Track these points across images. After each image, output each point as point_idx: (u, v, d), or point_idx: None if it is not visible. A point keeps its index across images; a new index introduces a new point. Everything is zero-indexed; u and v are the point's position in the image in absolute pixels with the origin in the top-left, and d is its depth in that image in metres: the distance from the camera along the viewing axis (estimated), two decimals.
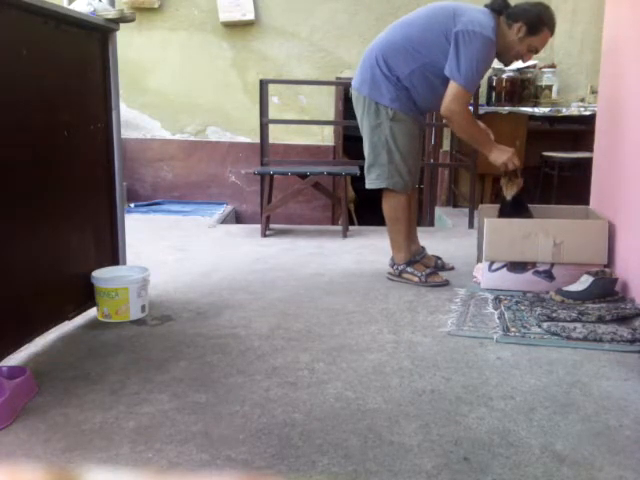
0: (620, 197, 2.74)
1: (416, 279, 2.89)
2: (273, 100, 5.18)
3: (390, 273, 3.00)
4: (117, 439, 1.52)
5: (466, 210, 4.68)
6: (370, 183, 2.90)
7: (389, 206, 2.91)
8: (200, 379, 1.87)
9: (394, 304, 2.61)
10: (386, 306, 2.58)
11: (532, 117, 5.04)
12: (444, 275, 2.97)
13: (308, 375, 1.90)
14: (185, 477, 1.39)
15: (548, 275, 2.75)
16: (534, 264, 2.76)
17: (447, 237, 4.13)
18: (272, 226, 4.33)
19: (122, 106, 2.72)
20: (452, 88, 2.63)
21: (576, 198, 3.58)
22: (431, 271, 2.95)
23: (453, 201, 5.58)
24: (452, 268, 3.18)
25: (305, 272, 3.14)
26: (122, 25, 2.43)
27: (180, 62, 5.49)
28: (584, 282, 2.53)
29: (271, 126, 4.69)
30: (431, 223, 5.50)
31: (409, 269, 2.92)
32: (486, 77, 5.27)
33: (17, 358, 1.99)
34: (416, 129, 2.88)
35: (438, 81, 2.71)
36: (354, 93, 2.89)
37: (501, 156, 2.77)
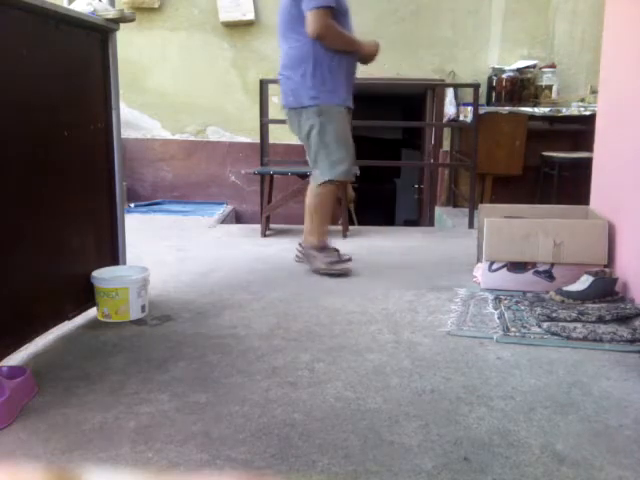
0: (620, 197, 2.74)
1: (322, 265, 3.04)
2: (273, 100, 5.17)
3: (298, 255, 3.14)
4: (117, 439, 1.52)
5: (466, 210, 4.68)
6: (316, 179, 3.06)
7: (314, 200, 3.07)
8: (200, 379, 1.87)
9: (394, 304, 2.61)
10: (386, 306, 2.58)
11: (532, 117, 5.04)
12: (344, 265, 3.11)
13: (308, 375, 1.90)
14: (185, 477, 1.39)
15: (548, 275, 2.75)
16: (534, 264, 2.76)
17: (447, 237, 4.13)
18: (272, 226, 4.33)
19: (122, 106, 2.72)
20: (308, 15, 2.82)
21: (576, 198, 3.59)
22: (335, 259, 3.08)
23: (453, 201, 5.58)
24: (348, 260, 3.24)
25: (305, 272, 3.14)
26: (122, 25, 2.43)
27: (180, 62, 5.49)
28: (584, 282, 2.53)
29: (271, 126, 4.69)
30: (431, 223, 5.50)
31: (319, 255, 3.07)
32: (486, 77, 5.28)
33: (17, 358, 1.99)
34: (343, 116, 3.03)
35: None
36: (286, 114, 3.09)
37: (373, 47, 3.07)
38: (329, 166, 3.01)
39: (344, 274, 3.03)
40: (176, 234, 4.14)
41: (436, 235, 4.18)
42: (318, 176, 3.05)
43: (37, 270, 2.04)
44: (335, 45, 2.94)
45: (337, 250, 3.33)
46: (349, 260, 3.30)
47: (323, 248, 3.10)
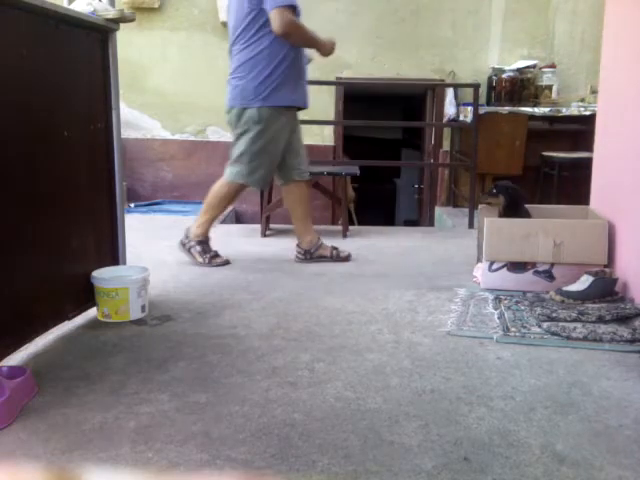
0: (620, 197, 2.74)
1: (200, 260, 3.20)
2: None
3: (182, 243, 3.25)
4: (117, 439, 1.52)
5: (466, 210, 4.68)
6: (230, 176, 3.18)
7: (220, 191, 3.20)
8: (200, 379, 1.87)
9: (394, 304, 2.61)
10: (386, 306, 2.58)
11: (532, 117, 5.05)
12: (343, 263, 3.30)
13: (308, 375, 1.90)
14: (185, 477, 1.39)
15: (548, 275, 2.75)
16: (534, 264, 2.76)
17: (447, 237, 4.12)
18: (272, 226, 4.33)
19: (122, 106, 2.72)
20: (274, 13, 2.87)
21: (576, 198, 3.59)
22: (214, 254, 3.22)
23: (453, 201, 5.58)
24: (348, 256, 3.37)
25: (305, 272, 3.14)
26: (122, 25, 2.43)
27: (180, 62, 5.49)
28: (584, 282, 2.53)
29: None
30: (431, 223, 5.51)
31: (198, 248, 3.21)
32: (486, 77, 5.27)
33: (17, 358, 1.99)
34: (286, 121, 3.08)
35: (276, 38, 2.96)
36: (227, 112, 3.14)
37: (330, 46, 3.12)
38: (248, 171, 3.13)
39: (223, 264, 3.22)
40: (176, 234, 4.11)
41: (436, 235, 4.18)
42: (233, 174, 3.16)
43: (37, 270, 2.04)
44: (299, 42, 3.01)
45: (336, 248, 3.36)
46: (348, 256, 3.38)
47: (202, 242, 3.24)
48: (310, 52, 3.21)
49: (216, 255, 3.25)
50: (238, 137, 3.12)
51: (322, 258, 3.33)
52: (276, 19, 2.87)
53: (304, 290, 2.81)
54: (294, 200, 3.34)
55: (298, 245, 3.37)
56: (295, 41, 2.98)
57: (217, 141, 5.61)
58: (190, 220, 4.68)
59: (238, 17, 3.00)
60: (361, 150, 5.96)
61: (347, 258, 3.36)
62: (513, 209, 2.91)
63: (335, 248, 3.37)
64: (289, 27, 2.88)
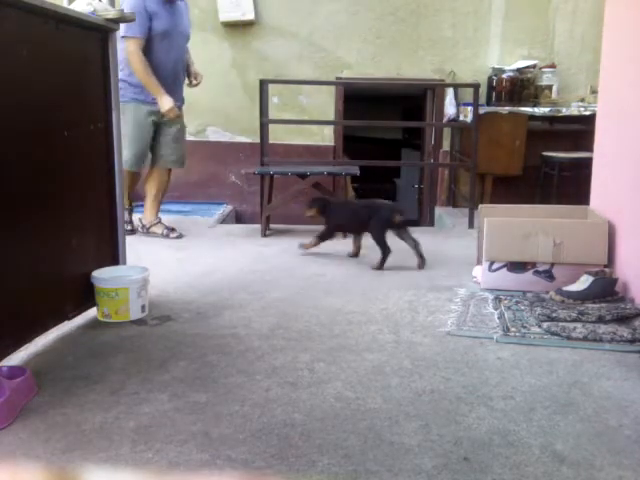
0: (620, 197, 2.74)
1: (159, 231, 3.89)
2: (273, 100, 5.18)
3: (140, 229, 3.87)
4: (117, 439, 1.52)
5: (466, 210, 4.68)
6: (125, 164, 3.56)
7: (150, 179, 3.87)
8: (200, 379, 1.87)
9: (394, 304, 2.61)
10: (386, 306, 2.58)
11: (532, 117, 5.04)
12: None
13: (308, 375, 1.90)
14: (185, 477, 1.39)
15: (548, 275, 2.75)
16: (534, 264, 2.76)
17: (447, 237, 4.12)
18: (272, 226, 4.33)
19: None
20: (124, 40, 3.43)
21: (576, 198, 3.58)
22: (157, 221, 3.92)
23: (453, 201, 5.57)
24: (179, 236, 3.96)
25: (305, 272, 3.14)
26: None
27: None
28: (584, 282, 2.53)
29: (271, 126, 4.68)
30: (431, 223, 5.50)
31: (154, 228, 3.89)
32: (486, 77, 5.27)
33: (17, 358, 1.99)
34: (141, 115, 3.66)
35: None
36: None
37: (168, 104, 3.64)
38: (124, 156, 3.58)
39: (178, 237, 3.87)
40: None
41: (436, 235, 4.17)
42: (126, 162, 3.56)
43: (37, 270, 2.03)
44: (136, 74, 3.59)
45: (172, 229, 3.99)
46: (180, 236, 3.98)
47: (155, 223, 3.91)
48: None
49: (172, 229, 3.91)
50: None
51: (155, 234, 3.96)
52: (126, 46, 3.47)
53: (304, 290, 2.81)
54: (153, 182, 3.97)
55: (140, 219, 4.02)
56: (133, 70, 3.57)
57: (217, 141, 5.60)
58: (190, 220, 4.71)
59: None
60: (361, 150, 5.96)
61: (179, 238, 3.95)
62: (326, 214, 3.53)
63: (171, 229, 3.98)
64: (129, 55, 3.52)
